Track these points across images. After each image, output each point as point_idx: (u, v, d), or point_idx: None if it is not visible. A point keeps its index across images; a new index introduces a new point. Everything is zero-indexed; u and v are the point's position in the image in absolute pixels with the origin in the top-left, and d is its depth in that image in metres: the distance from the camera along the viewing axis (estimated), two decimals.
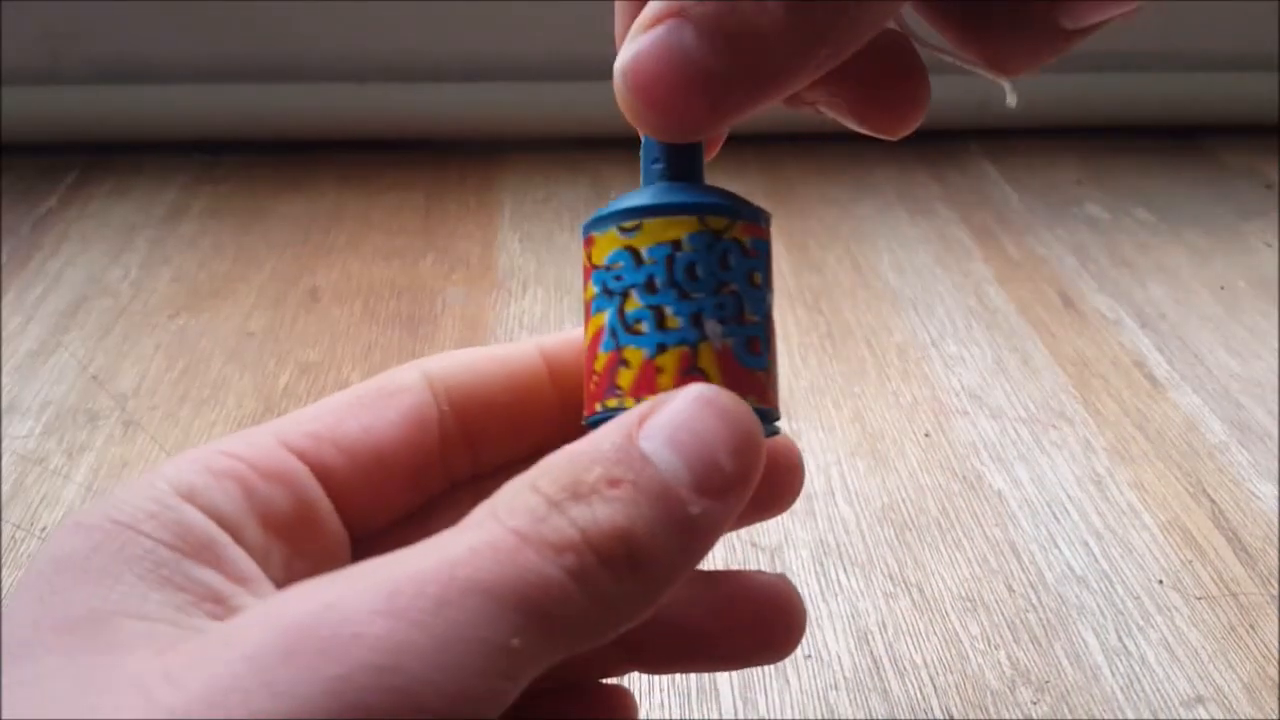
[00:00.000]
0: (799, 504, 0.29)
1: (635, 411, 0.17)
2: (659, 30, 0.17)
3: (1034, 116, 0.63)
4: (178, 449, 0.38)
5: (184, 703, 0.13)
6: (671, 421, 0.17)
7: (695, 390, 0.17)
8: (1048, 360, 0.43)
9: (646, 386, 0.18)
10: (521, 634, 0.15)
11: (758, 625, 0.22)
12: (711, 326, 0.18)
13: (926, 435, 0.39)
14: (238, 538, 0.17)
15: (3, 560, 0.33)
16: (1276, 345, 0.44)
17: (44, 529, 0.34)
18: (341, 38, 0.60)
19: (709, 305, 0.18)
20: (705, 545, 0.17)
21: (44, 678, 0.14)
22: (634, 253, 0.18)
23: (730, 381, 0.18)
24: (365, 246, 0.52)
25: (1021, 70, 0.21)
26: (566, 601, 0.15)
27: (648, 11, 0.17)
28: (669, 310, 0.18)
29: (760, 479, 0.18)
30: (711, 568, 0.21)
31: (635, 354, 0.18)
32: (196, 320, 0.46)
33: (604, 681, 0.23)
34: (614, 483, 0.16)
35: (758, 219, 0.19)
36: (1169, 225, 0.54)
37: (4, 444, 0.38)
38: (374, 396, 0.20)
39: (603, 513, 0.16)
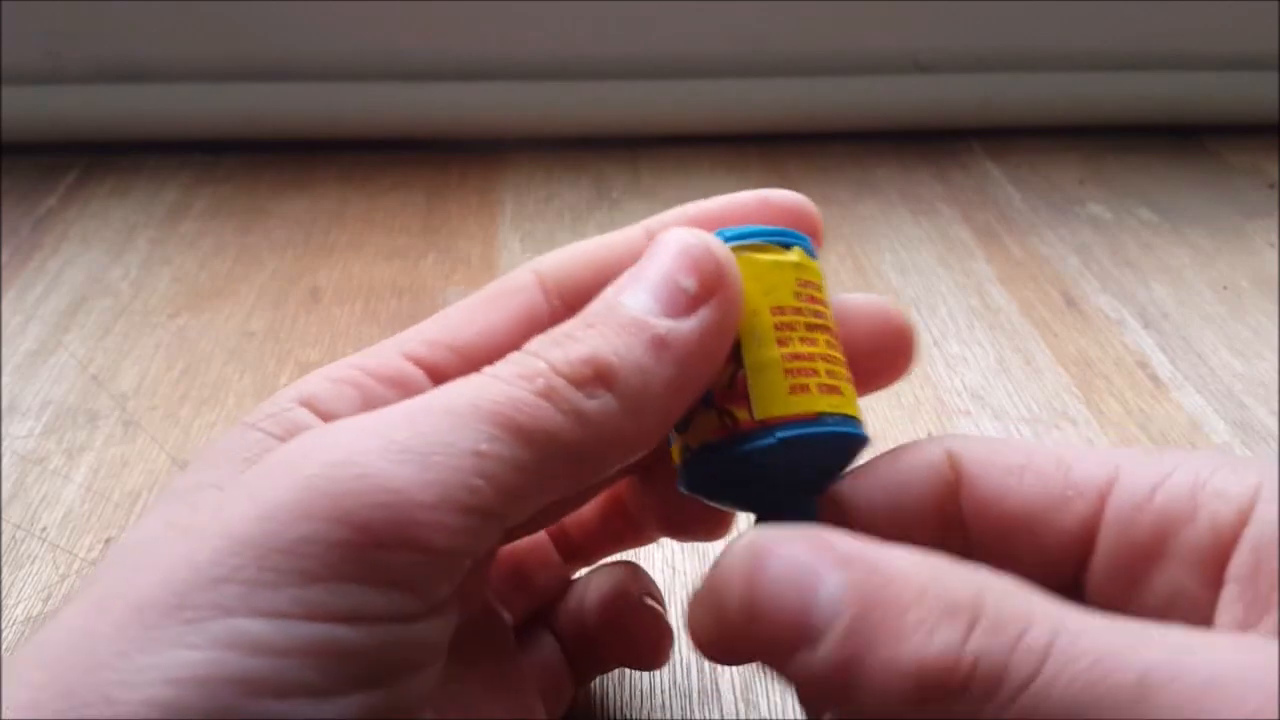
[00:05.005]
0: None
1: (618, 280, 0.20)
2: None
3: (1037, 116, 0.63)
4: (178, 449, 0.38)
5: (202, 517, 0.17)
6: (639, 271, 0.19)
7: (658, 237, 0.20)
8: (1050, 360, 0.43)
9: None
10: (490, 441, 0.17)
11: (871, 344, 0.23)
12: None
13: (929, 435, 0.39)
14: None
15: (3, 560, 0.33)
16: (1278, 345, 0.44)
17: (44, 529, 0.34)
18: (341, 38, 0.60)
19: None
20: (685, 360, 0.19)
21: (144, 526, 0.18)
22: None
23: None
24: (366, 246, 0.52)
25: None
26: (538, 415, 0.17)
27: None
28: None
29: (873, 346, 0.21)
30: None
31: None
32: (197, 320, 0.46)
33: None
34: (589, 326, 0.19)
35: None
36: (1172, 225, 0.54)
37: (4, 444, 0.38)
38: (489, 299, 0.22)
39: (573, 348, 0.18)
